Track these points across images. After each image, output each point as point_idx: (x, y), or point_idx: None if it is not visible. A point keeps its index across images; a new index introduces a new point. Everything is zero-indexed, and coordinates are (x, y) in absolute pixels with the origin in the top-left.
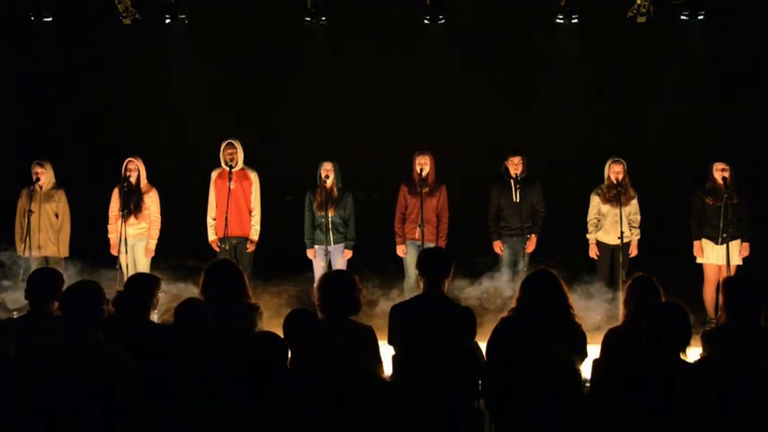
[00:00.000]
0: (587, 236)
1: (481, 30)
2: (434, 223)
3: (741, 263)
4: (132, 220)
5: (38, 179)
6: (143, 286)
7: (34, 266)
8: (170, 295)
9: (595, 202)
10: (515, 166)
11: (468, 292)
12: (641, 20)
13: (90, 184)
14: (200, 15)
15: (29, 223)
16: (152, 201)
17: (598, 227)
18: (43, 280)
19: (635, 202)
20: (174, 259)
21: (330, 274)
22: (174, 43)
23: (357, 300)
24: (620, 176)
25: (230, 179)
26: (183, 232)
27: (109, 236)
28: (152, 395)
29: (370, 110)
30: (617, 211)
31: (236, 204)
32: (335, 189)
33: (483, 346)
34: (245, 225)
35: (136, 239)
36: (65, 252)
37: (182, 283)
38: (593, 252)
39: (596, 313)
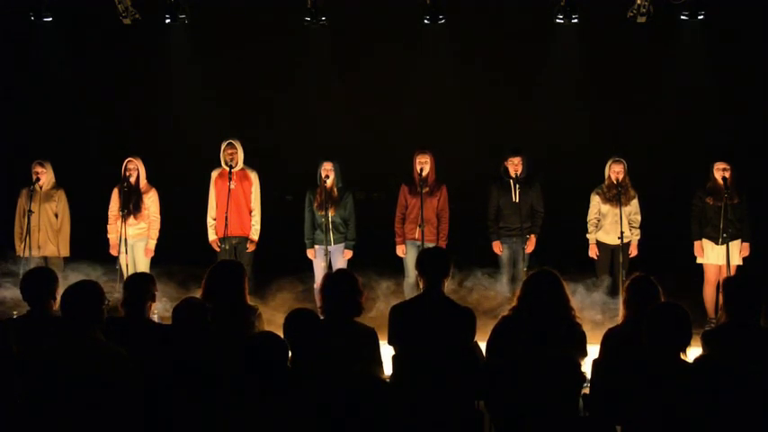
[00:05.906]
0: (587, 236)
1: (481, 30)
2: (434, 223)
3: (741, 263)
4: (132, 220)
5: (38, 179)
6: (140, 286)
7: (33, 266)
8: (169, 296)
9: (595, 201)
10: (515, 166)
11: (468, 293)
12: (641, 20)
13: (90, 184)
14: (200, 15)
15: (29, 223)
16: (151, 201)
17: (598, 227)
18: (37, 280)
19: (635, 202)
20: (172, 261)
21: (333, 274)
22: (174, 43)
23: (359, 301)
24: (621, 176)
25: (230, 179)
26: (182, 232)
27: (108, 236)
28: (151, 395)
29: (370, 110)
30: (617, 210)
31: (236, 204)
32: (336, 189)
33: (483, 346)
34: (245, 225)
35: (135, 239)
36: (65, 252)
37: (180, 284)
38: (593, 252)
39: (596, 313)
